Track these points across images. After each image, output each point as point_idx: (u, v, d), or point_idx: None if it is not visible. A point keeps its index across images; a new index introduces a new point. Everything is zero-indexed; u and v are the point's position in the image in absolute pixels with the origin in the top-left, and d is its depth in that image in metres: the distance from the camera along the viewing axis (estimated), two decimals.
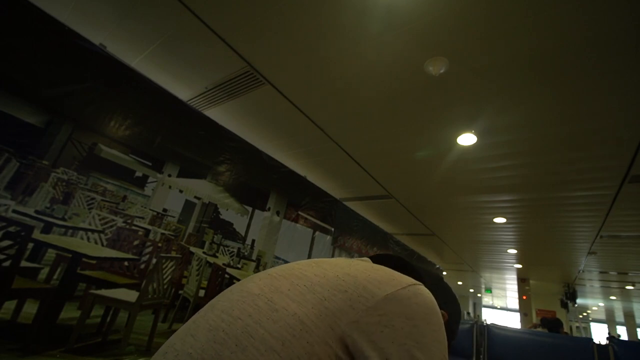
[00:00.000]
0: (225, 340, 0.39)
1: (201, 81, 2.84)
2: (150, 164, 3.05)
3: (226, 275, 3.13)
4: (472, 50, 1.94)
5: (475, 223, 5.37)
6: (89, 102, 2.42)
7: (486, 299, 18.51)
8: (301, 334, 0.38)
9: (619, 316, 14.63)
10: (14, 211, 2.13)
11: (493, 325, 2.87)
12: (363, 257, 0.62)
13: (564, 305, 9.43)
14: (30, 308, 2.18)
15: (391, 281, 0.46)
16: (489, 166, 3.34)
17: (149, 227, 3.21)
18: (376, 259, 0.63)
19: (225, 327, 0.40)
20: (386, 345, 0.38)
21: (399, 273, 0.51)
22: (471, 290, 15.99)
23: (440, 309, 0.59)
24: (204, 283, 3.07)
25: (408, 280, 0.48)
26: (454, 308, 0.70)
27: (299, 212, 4.71)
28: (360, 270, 0.48)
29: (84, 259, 2.20)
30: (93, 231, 2.64)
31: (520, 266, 8.19)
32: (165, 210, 3.44)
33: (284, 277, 0.48)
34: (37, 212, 2.25)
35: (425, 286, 0.54)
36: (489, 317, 19.68)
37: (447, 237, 6.82)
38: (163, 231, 3.35)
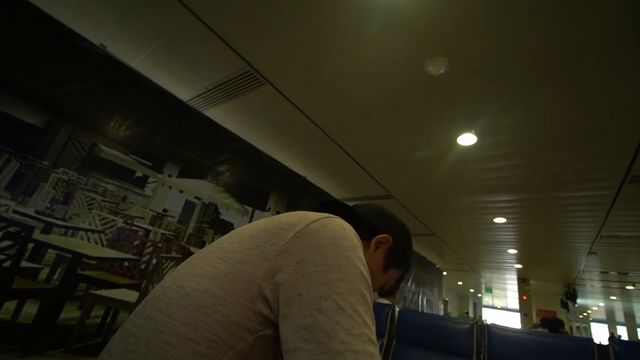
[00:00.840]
0: (136, 345, 0.37)
1: (201, 81, 2.84)
2: (150, 164, 3.05)
3: None
4: (472, 50, 1.94)
5: (476, 223, 5.37)
6: (89, 102, 2.42)
7: (486, 299, 18.50)
8: (214, 309, 0.37)
9: (619, 316, 14.62)
10: (14, 211, 2.13)
11: (493, 326, 2.86)
12: None
13: (564, 306, 9.43)
14: (31, 308, 2.18)
15: (303, 219, 0.45)
16: (489, 166, 3.33)
17: (149, 227, 3.21)
18: (317, 207, 0.63)
19: (136, 332, 0.39)
20: (298, 282, 0.37)
21: (316, 212, 0.50)
22: (471, 291, 15.98)
23: (383, 233, 0.63)
24: None
25: (320, 215, 0.47)
26: (397, 230, 0.70)
27: None
28: (274, 220, 0.47)
29: (84, 259, 2.20)
30: (93, 231, 2.64)
31: (520, 266, 8.19)
32: (165, 210, 3.43)
33: (200, 258, 0.47)
34: (37, 212, 2.25)
35: (369, 223, 0.55)
36: (489, 317, 19.66)
37: (448, 237, 6.82)
38: (163, 231, 3.35)
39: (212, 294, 0.39)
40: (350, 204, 0.69)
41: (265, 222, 0.49)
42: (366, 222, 0.65)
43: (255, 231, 0.46)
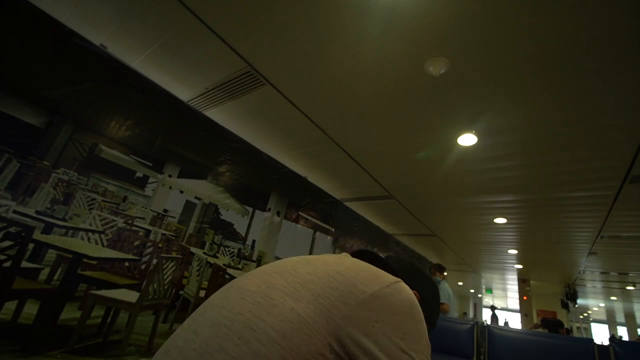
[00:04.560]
0: (228, 334, 0.40)
1: (202, 82, 2.84)
2: (150, 164, 3.05)
3: (227, 276, 3.13)
4: (472, 51, 1.94)
5: (476, 223, 5.36)
6: (90, 103, 2.43)
7: (487, 300, 18.48)
8: (299, 327, 0.41)
9: (620, 317, 14.61)
10: (15, 212, 2.13)
11: (494, 326, 2.87)
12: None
13: (565, 306, 9.42)
14: (31, 309, 2.18)
15: (376, 279, 0.50)
16: (490, 166, 3.33)
17: (150, 227, 3.21)
18: (355, 254, 0.68)
19: (227, 323, 0.42)
20: (379, 338, 0.42)
21: (379, 270, 0.55)
22: (472, 291, 15.98)
23: (413, 289, 0.65)
24: (205, 284, 3.07)
25: (389, 278, 0.52)
26: (427, 287, 0.75)
27: (300, 213, 4.71)
28: (348, 268, 0.52)
29: (84, 260, 2.20)
30: (93, 232, 2.64)
31: (520, 267, 8.18)
32: (165, 210, 3.44)
33: (278, 274, 0.50)
34: (37, 212, 2.25)
35: (400, 276, 0.59)
36: (489, 317, 19.63)
37: (448, 238, 6.82)
38: (164, 232, 3.35)
39: (297, 313, 0.42)
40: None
41: (338, 264, 0.53)
42: (400, 277, 0.68)
43: (332, 272, 0.50)
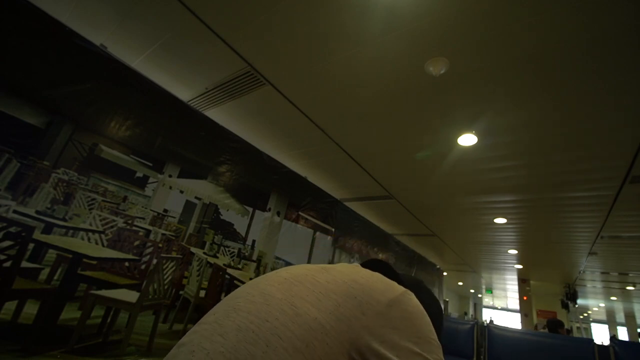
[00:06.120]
0: (256, 340, 0.41)
1: (202, 81, 2.84)
2: (150, 164, 3.05)
3: (227, 276, 3.13)
4: (472, 51, 1.94)
5: (476, 223, 5.36)
6: (90, 103, 2.43)
7: (487, 300, 18.49)
8: (322, 337, 0.42)
9: (620, 317, 14.60)
10: (15, 212, 2.13)
11: (494, 326, 2.87)
12: (362, 258, 0.68)
13: (565, 306, 9.42)
14: (31, 309, 2.18)
15: (390, 288, 0.53)
16: (490, 166, 3.33)
17: (150, 227, 3.21)
18: (365, 264, 0.71)
19: (255, 329, 0.43)
20: (395, 344, 0.44)
21: (390, 280, 0.58)
22: (472, 291, 15.98)
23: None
24: (205, 284, 3.07)
25: (400, 288, 0.55)
26: (432, 304, 0.78)
27: (300, 213, 4.71)
28: (364, 278, 0.54)
29: (84, 260, 2.20)
30: (94, 232, 2.64)
31: (520, 267, 8.18)
32: (165, 210, 3.44)
33: (300, 283, 0.52)
34: (37, 212, 2.25)
35: (409, 288, 0.61)
36: (489, 317, 19.66)
37: (448, 238, 6.82)
38: (164, 232, 3.35)
39: (320, 324, 0.43)
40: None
41: (355, 274, 0.55)
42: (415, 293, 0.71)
43: (349, 281, 0.52)
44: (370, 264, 0.71)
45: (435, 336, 0.50)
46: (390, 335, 0.45)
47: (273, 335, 0.41)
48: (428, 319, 0.52)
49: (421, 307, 0.52)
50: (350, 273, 0.55)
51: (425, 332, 0.49)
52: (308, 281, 0.52)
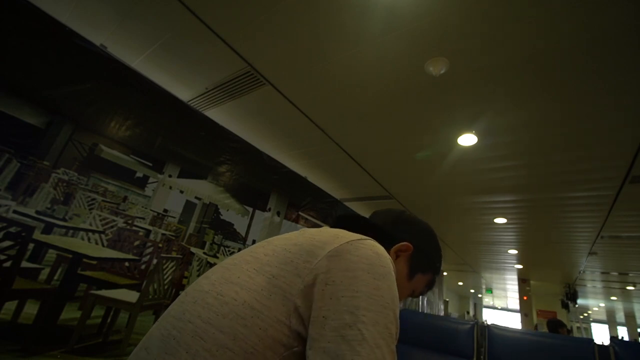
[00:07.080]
0: (176, 348, 0.38)
1: (202, 82, 2.84)
2: (150, 164, 3.05)
3: None
4: (472, 50, 1.94)
5: (476, 223, 5.36)
6: (90, 103, 2.43)
7: (487, 300, 18.49)
8: (253, 322, 0.38)
9: (620, 317, 14.60)
10: (15, 212, 2.14)
11: (494, 326, 2.86)
12: None
13: (565, 306, 9.42)
14: (31, 309, 2.18)
15: (335, 239, 0.46)
16: (490, 166, 3.33)
17: (150, 227, 3.21)
18: (339, 223, 0.65)
19: (176, 334, 0.40)
20: (324, 303, 0.38)
21: (342, 230, 0.51)
22: (472, 291, 15.98)
23: (402, 241, 0.63)
24: None
25: (353, 236, 0.47)
26: (419, 235, 0.70)
27: (300, 213, 4.71)
28: (306, 237, 0.48)
29: (84, 260, 2.20)
30: (94, 232, 2.64)
31: (520, 267, 8.18)
32: (165, 210, 3.44)
33: (235, 265, 0.47)
34: (37, 212, 2.25)
35: (384, 231, 0.56)
36: (489, 317, 19.65)
37: (448, 238, 6.81)
38: (164, 232, 3.35)
39: (250, 306, 0.40)
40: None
41: (298, 236, 0.50)
42: (382, 231, 0.64)
43: (289, 245, 0.47)
44: (338, 220, 0.66)
45: (386, 291, 0.41)
46: (324, 292, 0.39)
47: (194, 338, 0.38)
48: (384, 269, 0.43)
49: (371, 256, 0.43)
50: (294, 237, 0.50)
51: (370, 285, 0.40)
52: (244, 260, 0.48)
